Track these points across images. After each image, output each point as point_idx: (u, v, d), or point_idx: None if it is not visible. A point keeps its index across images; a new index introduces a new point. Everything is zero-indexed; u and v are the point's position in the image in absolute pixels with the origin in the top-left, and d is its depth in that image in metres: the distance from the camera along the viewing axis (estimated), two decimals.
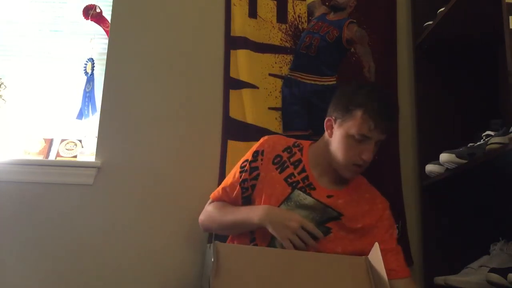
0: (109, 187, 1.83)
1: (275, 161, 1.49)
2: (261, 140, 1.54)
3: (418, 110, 1.98)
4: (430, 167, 1.75)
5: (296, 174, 1.47)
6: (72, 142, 1.98)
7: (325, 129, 1.48)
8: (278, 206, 1.42)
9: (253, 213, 1.38)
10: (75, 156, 1.94)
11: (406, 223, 1.90)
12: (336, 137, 1.43)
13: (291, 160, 1.49)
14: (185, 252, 1.78)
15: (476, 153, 1.54)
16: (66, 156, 1.94)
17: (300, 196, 1.44)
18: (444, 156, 1.63)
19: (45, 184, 1.81)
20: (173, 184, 1.84)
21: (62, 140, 1.99)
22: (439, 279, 1.67)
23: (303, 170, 1.48)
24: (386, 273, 1.37)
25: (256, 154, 1.50)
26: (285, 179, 1.46)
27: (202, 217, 1.56)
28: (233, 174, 1.54)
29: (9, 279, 1.72)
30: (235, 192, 1.50)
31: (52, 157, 1.95)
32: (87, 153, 1.92)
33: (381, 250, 1.37)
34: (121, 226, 1.80)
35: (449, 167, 1.65)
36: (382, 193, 1.95)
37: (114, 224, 1.80)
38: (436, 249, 1.82)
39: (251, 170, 1.49)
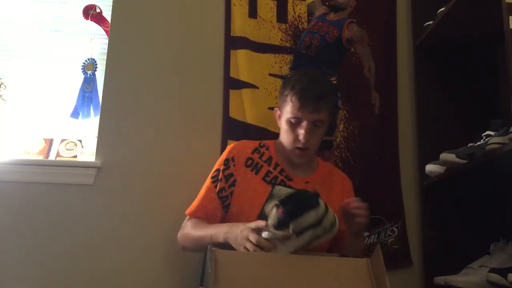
0: (109, 187, 1.83)
1: (248, 163, 1.53)
2: (227, 148, 1.59)
3: (418, 110, 1.98)
4: (430, 167, 1.75)
5: (272, 170, 1.52)
6: (72, 142, 1.98)
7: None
8: (263, 206, 1.44)
9: (220, 230, 1.37)
10: (75, 156, 1.93)
11: (406, 223, 1.90)
12: (281, 126, 1.52)
13: (262, 159, 1.55)
14: (185, 251, 1.78)
15: (476, 153, 1.54)
16: (66, 156, 1.94)
17: (282, 190, 1.48)
18: (444, 156, 1.63)
19: (45, 184, 1.81)
20: (173, 184, 1.84)
21: (62, 140, 1.98)
22: (439, 279, 1.67)
23: (277, 164, 1.54)
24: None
25: (227, 161, 1.54)
26: (263, 179, 1.51)
27: (179, 234, 1.55)
28: (205, 188, 1.54)
29: (9, 278, 1.72)
30: (213, 205, 1.50)
31: (52, 157, 1.94)
32: (87, 153, 1.92)
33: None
34: (121, 226, 1.80)
35: (449, 167, 1.65)
36: (382, 193, 1.96)
37: (114, 224, 1.79)
38: (436, 249, 1.82)
39: (227, 178, 1.51)
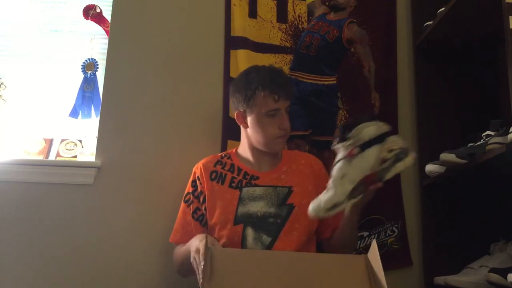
0: (109, 187, 1.83)
1: (212, 176, 1.58)
2: (193, 170, 1.64)
3: (418, 110, 1.98)
4: (430, 167, 1.75)
5: (236, 176, 1.57)
6: (72, 142, 1.98)
7: (238, 123, 1.59)
8: (236, 210, 1.49)
9: (187, 245, 1.43)
10: (75, 156, 1.93)
11: (406, 223, 1.90)
12: (252, 124, 1.54)
13: (226, 168, 1.59)
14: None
15: (476, 153, 1.54)
16: (66, 156, 1.94)
17: (250, 191, 1.53)
18: (444, 156, 1.63)
19: (45, 184, 1.81)
20: (173, 184, 1.83)
21: (62, 140, 1.98)
22: (439, 279, 1.67)
23: (240, 169, 1.58)
24: (327, 231, 1.53)
25: (194, 183, 1.60)
26: (230, 186, 1.55)
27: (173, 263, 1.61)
28: (181, 212, 1.60)
29: (9, 279, 1.72)
30: (191, 227, 1.56)
31: (52, 157, 1.94)
32: (87, 153, 1.92)
33: None
34: (121, 226, 1.80)
35: (449, 167, 1.65)
36: (381, 193, 1.96)
37: (114, 224, 1.80)
38: (436, 249, 1.82)
39: (198, 198, 1.57)
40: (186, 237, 1.54)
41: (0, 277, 1.72)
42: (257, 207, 1.50)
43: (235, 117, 1.59)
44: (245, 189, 1.53)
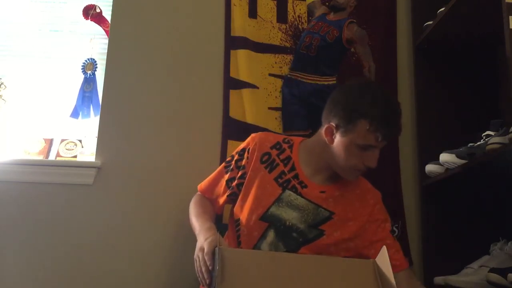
0: (109, 187, 1.83)
1: (263, 159, 1.44)
2: (249, 137, 1.50)
3: (418, 110, 1.98)
4: (430, 167, 1.75)
5: (286, 172, 1.43)
6: (72, 142, 1.99)
7: (324, 135, 1.40)
8: (269, 207, 1.39)
9: (198, 228, 1.37)
10: (75, 156, 1.94)
11: (406, 223, 1.90)
12: (338, 145, 1.37)
13: (280, 157, 1.45)
14: (185, 252, 1.78)
15: (476, 153, 1.54)
16: (66, 156, 1.95)
17: (291, 196, 1.40)
18: (444, 156, 1.63)
19: (45, 184, 1.81)
20: (173, 184, 1.84)
21: (62, 140, 1.99)
22: (439, 279, 1.67)
23: (293, 168, 1.44)
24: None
25: (242, 152, 1.48)
26: (276, 179, 1.42)
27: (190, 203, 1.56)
28: (218, 171, 1.53)
29: (9, 278, 1.72)
30: (220, 189, 1.50)
31: (52, 157, 1.95)
32: (87, 153, 1.92)
33: (374, 243, 1.40)
34: (121, 226, 1.80)
35: (449, 167, 1.65)
36: (382, 193, 1.96)
37: (114, 224, 1.80)
38: (436, 249, 1.82)
39: (238, 169, 1.46)
40: (209, 193, 1.53)
41: (0, 277, 1.72)
42: (290, 216, 1.38)
43: (324, 128, 1.40)
44: (287, 192, 1.40)
